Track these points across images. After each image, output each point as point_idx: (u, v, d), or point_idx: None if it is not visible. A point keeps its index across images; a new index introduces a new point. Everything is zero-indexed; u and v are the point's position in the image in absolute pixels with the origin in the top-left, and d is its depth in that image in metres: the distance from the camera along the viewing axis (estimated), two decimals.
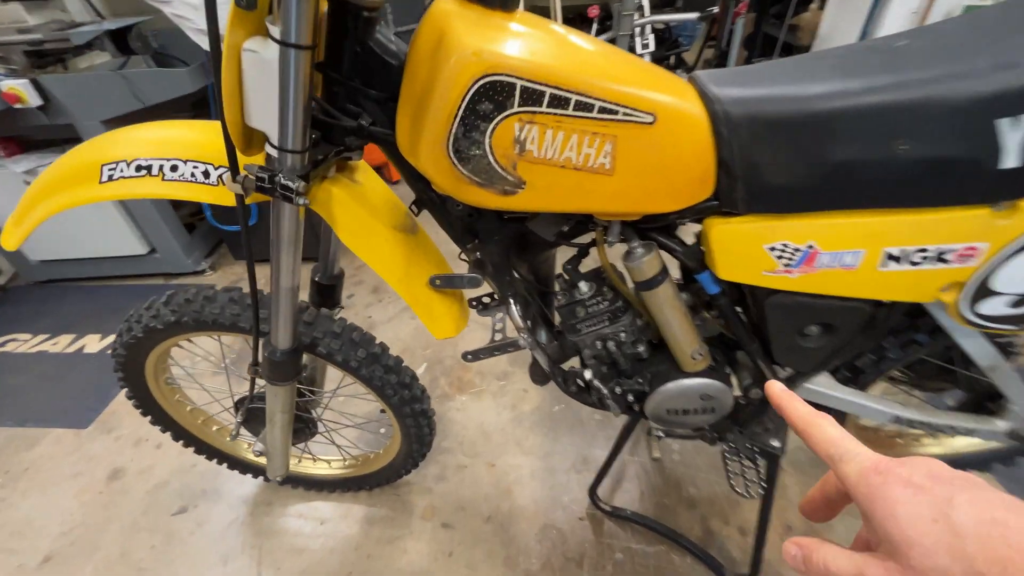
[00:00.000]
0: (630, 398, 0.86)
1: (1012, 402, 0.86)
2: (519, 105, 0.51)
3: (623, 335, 0.79)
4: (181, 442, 1.26)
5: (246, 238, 0.64)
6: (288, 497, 1.38)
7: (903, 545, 0.25)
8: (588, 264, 0.83)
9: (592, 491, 1.28)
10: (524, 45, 0.51)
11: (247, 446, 1.31)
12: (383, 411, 1.11)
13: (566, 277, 0.83)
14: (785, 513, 1.24)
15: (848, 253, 0.62)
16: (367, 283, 2.19)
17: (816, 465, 1.37)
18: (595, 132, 0.54)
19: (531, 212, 0.68)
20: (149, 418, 1.18)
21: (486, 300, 0.97)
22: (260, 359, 0.83)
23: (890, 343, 0.85)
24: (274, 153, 0.56)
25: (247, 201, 0.62)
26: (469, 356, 0.89)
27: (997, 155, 0.53)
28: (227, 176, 0.59)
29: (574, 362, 0.93)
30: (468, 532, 1.27)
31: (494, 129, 0.53)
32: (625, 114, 0.54)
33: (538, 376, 1.00)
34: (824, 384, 0.87)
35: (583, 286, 0.80)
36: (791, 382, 0.83)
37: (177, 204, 2.18)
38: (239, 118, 0.54)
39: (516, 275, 0.86)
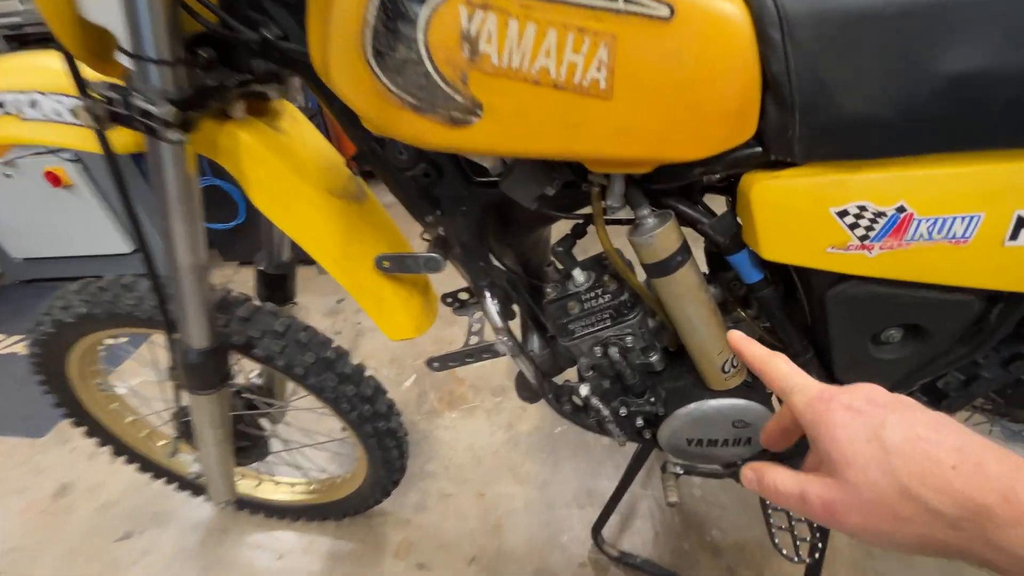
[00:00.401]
0: (639, 422, 0.67)
1: None
2: None
3: (629, 339, 0.60)
4: (123, 458, 1.10)
5: (122, 197, 0.48)
6: (247, 525, 1.20)
7: (841, 464, 0.27)
8: (588, 250, 0.64)
9: (596, 530, 1.07)
10: None
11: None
12: (344, 429, 0.93)
13: (557, 264, 0.64)
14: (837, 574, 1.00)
15: (958, 219, 0.42)
16: None
17: None
18: (583, 28, 0.37)
19: (499, 163, 0.51)
20: (84, 429, 1.02)
21: (463, 296, 0.79)
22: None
23: (989, 358, 0.64)
24: (128, 63, 0.40)
25: (119, 148, 0.46)
26: (435, 364, 0.71)
27: None
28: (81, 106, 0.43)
29: (572, 375, 0.74)
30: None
31: (430, 18, 0.35)
32: (628, 0, 0.36)
33: (526, 391, 0.81)
34: None
35: (578, 275, 0.61)
36: None
37: None
38: (71, 10, 0.38)
39: (497, 264, 0.68)
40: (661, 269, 0.52)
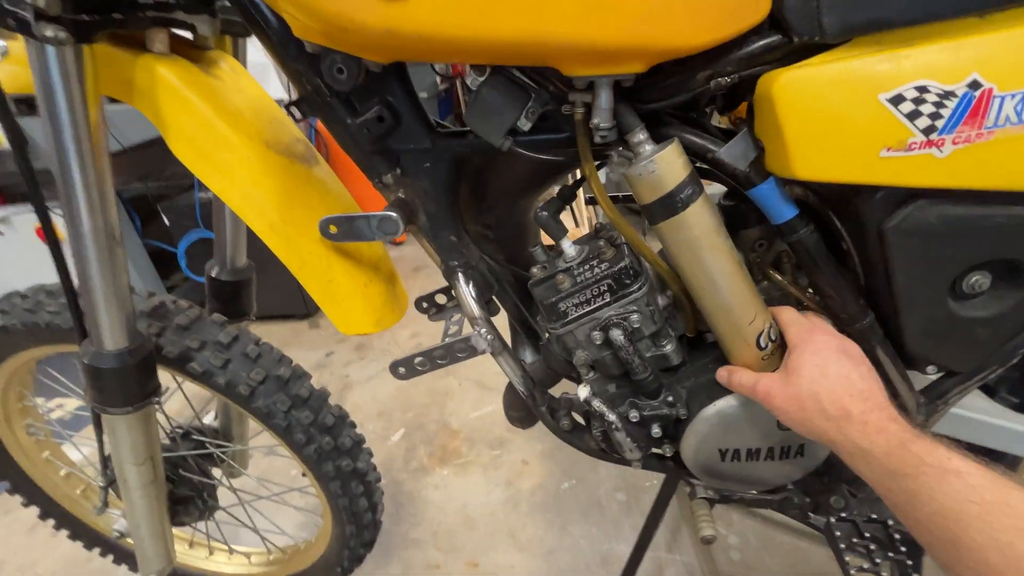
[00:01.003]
0: (655, 431, 0.52)
1: None
2: None
3: (635, 317, 0.48)
4: (52, 522, 0.93)
5: (20, 160, 0.40)
6: None
7: (791, 368, 0.42)
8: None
9: None
10: None
11: None
12: (304, 474, 0.78)
13: (545, 238, 0.54)
14: None
15: None
16: (352, 340, 1.92)
17: None
18: None
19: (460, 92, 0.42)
20: (5, 485, 0.87)
21: (440, 299, 0.68)
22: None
23: None
24: None
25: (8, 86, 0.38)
26: (400, 369, 0.58)
27: None
28: None
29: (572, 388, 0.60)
30: None
31: None
32: None
33: (515, 410, 0.67)
34: (983, 410, 0.51)
35: (567, 246, 0.50)
36: (929, 400, 0.48)
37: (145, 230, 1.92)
38: None
39: (478, 251, 0.58)
40: (667, 207, 0.41)
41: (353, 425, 0.77)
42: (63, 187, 0.43)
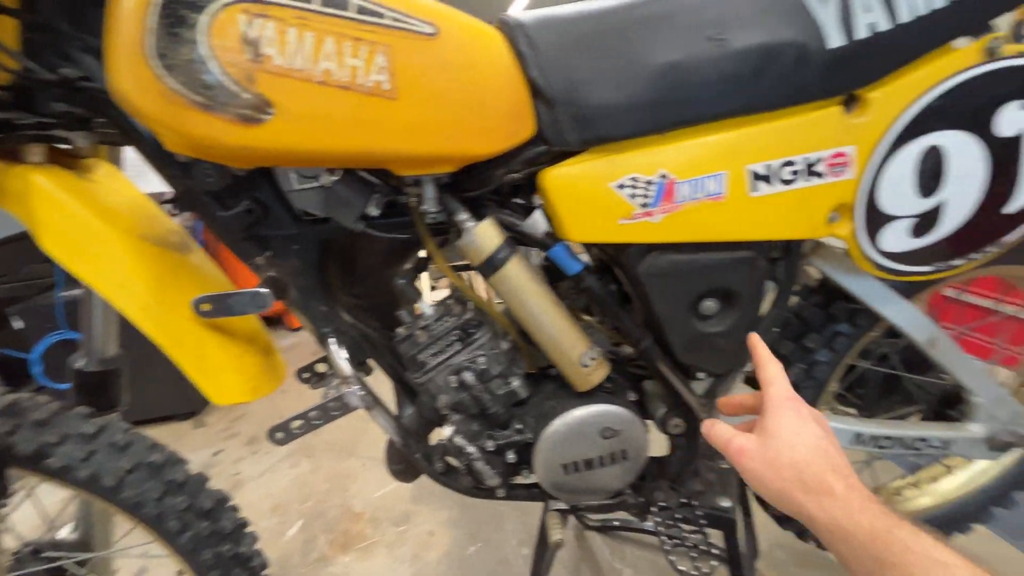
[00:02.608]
0: (511, 456, 0.61)
1: (972, 392, 0.70)
2: None
3: (482, 360, 0.58)
4: None
5: None
6: None
7: (769, 431, 0.40)
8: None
9: None
10: None
11: None
12: (180, 573, 0.74)
13: (408, 308, 0.64)
14: None
15: (709, 178, 0.50)
16: (243, 435, 1.80)
17: (801, 564, 1.07)
18: (358, 37, 0.43)
19: (317, 187, 0.53)
20: None
21: (320, 367, 0.73)
22: None
23: (813, 341, 0.70)
24: None
25: None
26: (278, 435, 0.62)
27: (819, 34, 0.47)
28: None
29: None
30: None
31: (211, 23, 0.40)
32: (395, 19, 0.44)
33: (396, 463, 0.72)
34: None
35: (425, 307, 0.61)
36: (707, 399, 0.63)
37: None
38: None
39: (348, 317, 0.66)
40: (491, 266, 0.53)
41: (235, 508, 0.76)
42: None
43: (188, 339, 0.55)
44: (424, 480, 0.70)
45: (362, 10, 0.43)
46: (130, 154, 0.71)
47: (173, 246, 0.57)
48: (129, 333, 0.62)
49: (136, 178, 0.64)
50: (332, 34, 0.42)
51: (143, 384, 0.80)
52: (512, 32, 0.49)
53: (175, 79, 0.40)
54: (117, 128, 0.49)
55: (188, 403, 1.85)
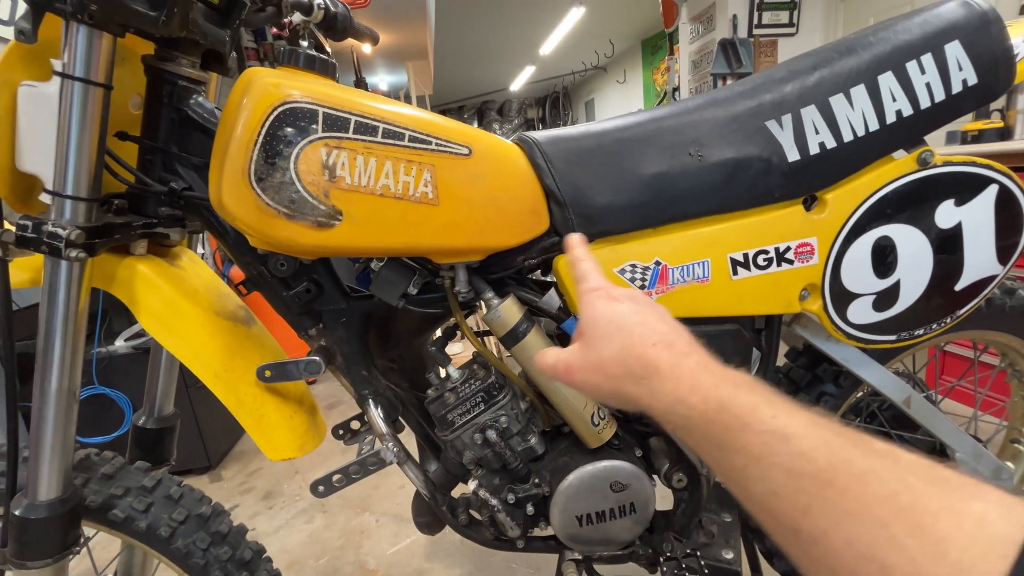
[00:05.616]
0: (529, 509, 0.67)
1: (953, 448, 0.76)
2: (323, 131, 0.51)
3: (504, 419, 0.66)
4: None
5: (4, 316, 0.52)
6: None
7: (586, 334, 0.36)
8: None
9: None
10: (327, 86, 0.54)
11: None
12: None
13: (438, 373, 0.72)
14: None
15: (696, 264, 0.59)
16: (258, 489, 1.84)
17: None
18: (410, 160, 0.54)
19: (369, 271, 0.63)
20: None
21: (355, 425, 0.81)
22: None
23: (802, 401, 0.77)
24: (48, 199, 0.50)
25: (13, 282, 0.52)
26: (320, 488, 0.69)
27: (780, 150, 0.58)
28: None
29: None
30: None
31: (298, 155, 0.51)
32: (439, 144, 0.55)
33: (422, 515, 0.78)
34: None
35: (452, 371, 0.69)
36: None
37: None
38: (7, 161, 0.49)
39: (383, 380, 0.75)
40: (512, 338, 0.62)
41: (270, 560, 0.81)
42: (45, 352, 0.54)
43: (249, 401, 0.64)
44: (437, 537, 0.76)
45: (413, 139, 0.55)
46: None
47: (240, 320, 0.67)
48: None
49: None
50: (390, 158, 0.54)
51: None
52: (529, 148, 0.61)
53: (268, 196, 0.51)
54: (208, 227, 0.60)
55: (207, 458, 1.90)
